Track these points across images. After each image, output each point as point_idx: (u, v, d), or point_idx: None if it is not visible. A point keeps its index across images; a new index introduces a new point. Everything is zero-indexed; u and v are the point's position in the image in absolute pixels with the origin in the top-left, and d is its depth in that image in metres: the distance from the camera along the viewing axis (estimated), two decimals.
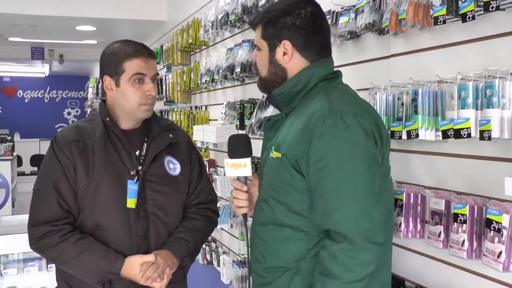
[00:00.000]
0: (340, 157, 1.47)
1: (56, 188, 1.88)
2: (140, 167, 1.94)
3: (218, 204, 2.25)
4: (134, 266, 1.84)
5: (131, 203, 1.91)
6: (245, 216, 1.75)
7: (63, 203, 1.89)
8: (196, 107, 4.69)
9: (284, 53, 1.65)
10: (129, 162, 1.93)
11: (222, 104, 3.84)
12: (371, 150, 1.50)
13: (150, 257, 1.86)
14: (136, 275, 1.84)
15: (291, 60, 1.65)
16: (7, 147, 7.26)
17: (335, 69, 1.71)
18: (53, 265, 3.15)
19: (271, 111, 2.89)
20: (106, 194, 1.90)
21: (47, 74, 14.91)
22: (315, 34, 1.64)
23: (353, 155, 1.47)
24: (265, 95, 3.06)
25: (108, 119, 1.96)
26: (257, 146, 1.81)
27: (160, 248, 1.93)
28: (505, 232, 1.52)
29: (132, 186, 1.91)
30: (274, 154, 1.61)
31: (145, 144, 1.98)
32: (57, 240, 1.85)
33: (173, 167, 1.99)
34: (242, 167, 1.70)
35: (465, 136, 1.62)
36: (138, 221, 1.91)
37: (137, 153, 1.97)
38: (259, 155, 1.81)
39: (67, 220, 1.89)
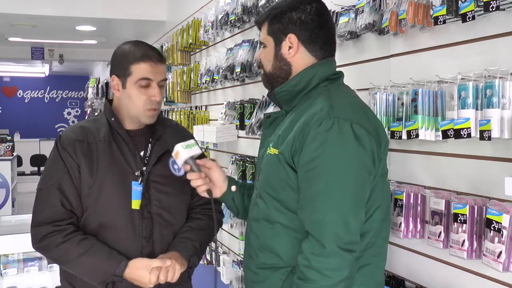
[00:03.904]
0: (329, 162, 1.48)
1: (59, 188, 1.88)
2: (144, 168, 1.94)
3: None
4: (141, 269, 1.81)
5: (135, 204, 1.90)
6: (210, 193, 1.82)
7: (66, 203, 1.88)
8: (196, 107, 4.70)
9: (290, 47, 1.66)
10: (133, 162, 1.92)
11: (222, 104, 3.84)
12: (362, 158, 1.50)
13: (158, 262, 1.82)
14: (142, 279, 1.81)
15: (297, 54, 1.66)
16: (7, 147, 7.26)
17: (337, 70, 1.72)
18: (53, 265, 3.17)
19: (271, 110, 2.88)
20: (110, 195, 1.89)
21: (47, 74, 14.92)
22: (320, 29, 1.66)
23: (343, 161, 1.48)
24: (265, 95, 3.07)
25: (113, 119, 1.95)
26: (257, 146, 1.82)
27: (165, 248, 1.93)
28: (505, 232, 1.52)
29: (137, 187, 1.91)
30: (272, 150, 1.62)
31: (149, 144, 1.98)
32: (60, 240, 1.84)
33: (178, 167, 1.99)
34: (194, 146, 1.82)
35: (465, 136, 1.62)
36: (142, 222, 1.91)
37: (142, 153, 1.96)
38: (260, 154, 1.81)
39: (70, 220, 1.88)
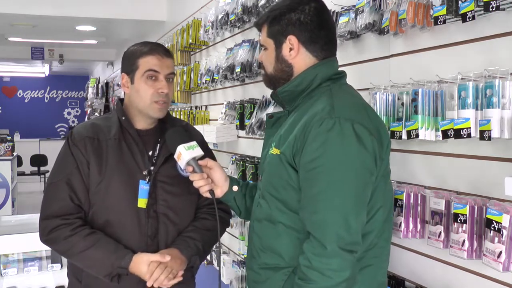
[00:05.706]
0: (330, 162, 1.48)
1: (68, 183, 1.91)
2: (152, 168, 1.95)
3: None
4: (142, 264, 1.85)
5: (142, 203, 1.92)
6: (212, 193, 1.82)
7: (75, 198, 1.91)
8: (196, 107, 4.70)
9: (291, 49, 1.66)
10: (141, 162, 1.94)
11: (222, 104, 3.85)
12: (363, 158, 1.49)
13: (157, 257, 1.86)
14: (143, 274, 1.84)
15: (298, 55, 1.66)
16: (7, 147, 7.26)
17: (339, 69, 1.71)
18: (53, 265, 3.17)
19: (271, 110, 2.88)
20: (117, 193, 1.91)
21: (47, 74, 14.93)
22: (320, 29, 1.65)
23: (344, 161, 1.47)
24: (265, 95, 3.08)
25: (123, 118, 1.98)
26: (257, 146, 1.82)
27: (169, 247, 1.94)
28: (505, 232, 1.52)
29: (144, 186, 1.93)
30: (274, 150, 1.62)
31: (158, 144, 1.99)
32: (68, 233, 1.87)
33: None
34: (196, 147, 1.82)
35: (465, 136, 1.62)
36: (148, 221, 1.93)
37: (150, 153, 1.98)
38: (260, 155, 1.81)
39: (78, 214, 1.92)
